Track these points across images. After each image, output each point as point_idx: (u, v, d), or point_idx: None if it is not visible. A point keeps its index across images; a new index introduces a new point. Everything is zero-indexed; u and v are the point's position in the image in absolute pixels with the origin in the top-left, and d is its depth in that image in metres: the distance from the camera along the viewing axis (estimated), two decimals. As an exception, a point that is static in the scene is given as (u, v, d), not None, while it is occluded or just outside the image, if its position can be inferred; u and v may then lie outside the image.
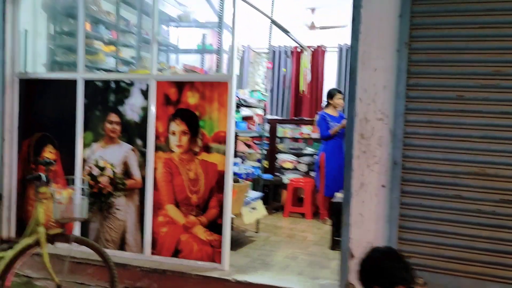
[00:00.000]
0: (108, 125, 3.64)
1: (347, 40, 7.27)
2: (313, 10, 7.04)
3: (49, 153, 3.78)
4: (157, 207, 3.50)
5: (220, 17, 3.46)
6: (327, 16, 7.00)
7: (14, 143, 3.84)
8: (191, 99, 3.41)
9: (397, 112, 2.76)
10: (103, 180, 3.65)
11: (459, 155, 2.66)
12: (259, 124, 4.45)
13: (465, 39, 2.62)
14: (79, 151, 3.69)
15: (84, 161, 3.71)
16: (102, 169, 3.67)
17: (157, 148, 3.51)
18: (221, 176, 3.38)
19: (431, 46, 2.69)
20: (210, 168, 3.40)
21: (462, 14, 2.62)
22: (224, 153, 3.36)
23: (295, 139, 6.49)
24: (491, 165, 2.60)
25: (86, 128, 3.70)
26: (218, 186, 3.39)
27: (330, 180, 5.03)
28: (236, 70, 3.35)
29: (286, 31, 5.15)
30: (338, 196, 4.15)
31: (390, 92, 2.79)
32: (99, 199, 3.63)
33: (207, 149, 3.40)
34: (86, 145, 3.70)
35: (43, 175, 2.74)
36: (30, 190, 3.75)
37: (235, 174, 3.94)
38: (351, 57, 2.90)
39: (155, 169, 3.51)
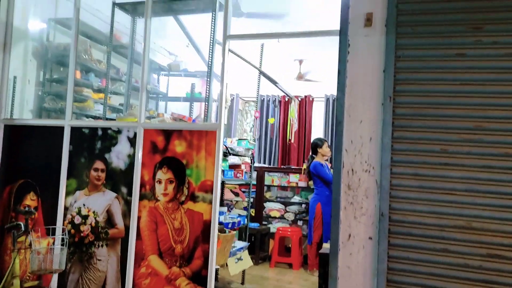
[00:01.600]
0: (93, 173, 3.59)
1: (333, 90, 7.51)
2: (301, 61, 7.27)
3: (30, 200, 3.69)
4: (140, 257, 3.40)
5: (209, 67, 3.53)
6: (315, 67, 7.22)
7: (-5, 190, 3.76)
8: (178, 147, 3.41)
9: (383, 164, 2.78)
10: (85, 229, 3.56)
11: (445, 208, 2.66)
12: (246, 172, 4.44)
13: (447, 95, 2.70)
14: (62, 199, 3.61)
15: (66, 209, 3.62)
16: (84, 217, 3.58)
17: (142, 196, 3.46)
18: (206, 226, 3.32)
19: (415, 100, 2.75)
20: (196, 217, 3.35)
21: (443, 71, 2.71)
22: (210, 202, 3.32)
23: (283, 188, 6.48)
24: (477, 219, 2.60)
25: (70, 175, 3.65)
26: (204, 236, 3.32)
27: (327, 231, 5.01)
28: (224, 119, 3.37)
29: (274, 82, 5.26)
30: (326, 247, 4.09)
31: (376, 144, 2.83)
32: (80, 248, 3.52)
33: (193, 198, 3.36)
34: (69, 192, 3.64)
35: (22, 224, 2.67)
36: (8, 239, 3.62)
37: (221, 223, 3.88)
38: (337, 109, 2.95)
39: (139, 217, 3.44)
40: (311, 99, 7.49)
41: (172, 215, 3.39)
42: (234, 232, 3.90)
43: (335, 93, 7.36)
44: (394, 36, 2.80)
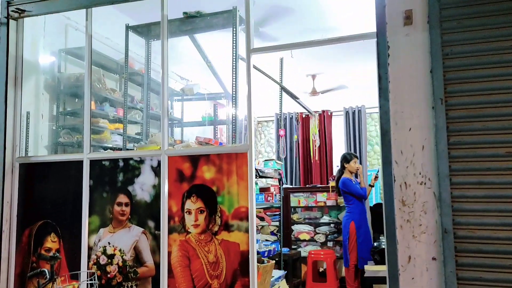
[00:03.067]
0: (117, 207, 3.33)
1: (352, 103, 7.27)
2: (314, 76, 7.05)
3: (51, 242, 3.43)
4: (174, 297, 3.10)
5: (234, 85, 3.30)
6: (328, 80, 7.00)
7: (13, 234, 3.50)
8: (207, 173, 3.15)
9: (441, 174, 2.49)
10: (112, 269, 3.27)
11: (519, 218, 2.36)
12: (275, 195, 4.16)
13: (507, 91, 2.43)
14: (85, 238, 3.35)
15: (91, 248, 3.35)
16: (110, 256, 3.31)
17: (171, 230, 3.18)
18: (244, 257, 3.02)
19: (470, 101, 2.48)
20: (232, 248, 3.05)
21: (499, 66, 2.45)
22: (246, 231, 3.03)
23: (309, 208, 6.17)
24: (558, 228, 2.29)
25: (92, 212, 3.39)
26: (242, 268, 3.02)
27: (363, 251, 4.66)
28: (253, 140, 3.11)
29: (295, 97, 5.03)
30: (371, 269, 3.76)
31: (429, 152, 2.55)
32: (108, 292, 3.24)
33: (227, 227, 3.08)
34: (92, 230, 3.37)
35: (47, 271, 2.40)
36: (30, 287, 3.35)
37: (257, 253, 3.58)
38: (381, 117, 2.68)
39: (169, 253, 3.16)
40: (329, 113, 7.24)
41: (205, 248, 3.10)
42: (273, 261, 3.60)
43: (353, 105, 7.12)
44: (439, 32, 2.56)
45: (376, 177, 5.01)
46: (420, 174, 2.57)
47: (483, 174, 2.43)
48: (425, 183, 2.56)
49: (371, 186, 5.01)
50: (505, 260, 2.36)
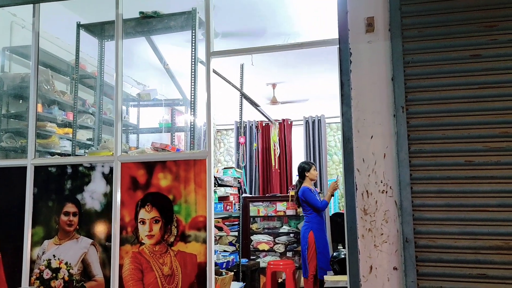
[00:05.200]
0: (64, 217, 3.10)
1: (311, 112, 7.28)
2: (274, 85, 7.01)
3: (-12, 256, 3.13)
4: (125, 313, 2.90)
5: (193, 88, 3.17)
6: (288, 91, 6.98)
7: None
8: (163, 181, 2.99)
9: (402, 182, 2.46)
10: (57, 284, 3.03)
11: (478, 227, 2.36)
12: (235, 204, 4.03)
13: (466, 100, 2.44)
14: (27, 251, 3.09)
15: (33, 262, 3.09)
16: (55, 270, 3.06)
17: (124, 241, 2.98)
18: (201, 269, 2.87)
19: (431, 109, 2.48)
20: (189, 260, 2.90)
21: (459, 75, 2.46)
22: (204, 242, 2.88)
23: (269, 218, 6.07)
24: (515, 237, 2.31)
25: (36, 222, 3.13)
26: (199, 281, 2.87)
27: (322, 261, 4.60)
28: (212, 147, 2.99)
29: (255, 104, 4.95)
30: (331, 279, 3.70)
31: (391, 160, 2.52)
32: (51, 309, 2.98)
33: (183, 238, 2.92)
34: (35, 242, 3.12)
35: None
36: (-38, 305, 3.04)
37: (215, 264, 3.43)
38: (343, 125, 2.63)
39: (121, 266, 2.96)
40: (289, 122, 7.22)
41: (160, 260, 2.93)
42: (231, 273, 3.46)
43: (313, 114, 7.12)
44: (400, 40, 2.55)
45: (336, 184, 4.92)
46: (381, 182, 2.54)
47: (444, 183, 2.43)
48: (386, 192, 2.52)
49: (332, 195, 4.97)
50: (465, 269, 2.35)
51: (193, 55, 3.19)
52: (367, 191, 2.55)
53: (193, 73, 3.15)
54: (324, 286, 3.65)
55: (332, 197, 4.94)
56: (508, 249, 2.31)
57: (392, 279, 2.47)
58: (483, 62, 2.45)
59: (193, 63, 3.17)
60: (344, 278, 3.29)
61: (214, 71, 3.31)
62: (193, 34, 3.22)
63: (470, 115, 2.43)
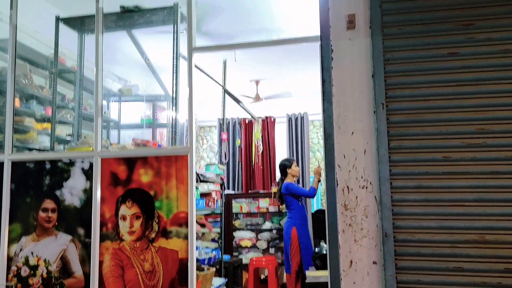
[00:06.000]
0: (42, 214, 3.05)
1: (294, 109, 7.31)
2: (257, 82, 7.01)
3: (-36, 253, 3.07)
4: (105, 310, 2.87)
5: (175, 84, 3.15)
6: (271, 87, 6.99)
7: None
8: (144, 176, 2.97)
9: (382, 178, 2.50)
10: (35, 281, 2.98)
11: (455, 221, 2.40)
12: (217, 201, 4.02)
13: (444, 98, 2.48)
14: (4, 248, 3.04)
15: (11, 259, 3.04)
16: (33, 267, 3.01)
17: (104, 237, 2.95)
18: (183, 265, 2.86)
19: (410, 106, 2.51)
20: (170, 256, 2.89)
21: (437, 73, 2.50)
22: (185, 238, 2.88)
23: (252, 214, 6.08)
24: (491, 231, 2.36)
25: (14, 218, 3.08)
26: (180, 277, 2.86)
27: (305, 256, 4.63)
28: (194, 143, 2.98)
29: (238, 101, 4.94)
30: (312, 275, 3.73)
31: (371, 156, 2.55)
32: (29, 307, 2.94)
33: (165, 234, 2.91)
34: (13, 239, 3.07)
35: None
36: None
37: (197, 260, 3.42)
38: (324, 121, 2.65)
39: (101, 262, 2.93)
40: (272, 119, 7.23)
41: (141, 256, 2.91)
42: (213, 269, 3.46)
43: (296, 112, 7.13)
44: (381, 38, 2.58)
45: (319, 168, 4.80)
46: (362, 178, 2.57)
47: (422, 178, 2.47)
48: (366, 187, 2.55)
49: (319, 180, 4.85)
50: (442, 262, 2.40)
51: (175, 50, 3.17)
52: (347, 186, 2.58)
53: (175, 69, 3.14)
54: (306, 281, 3.67)
55: (319, 183, 4.85)
56: (484, 242, 2.36)
57: (372, 273, 2.50)
58: (461, 60, 2.49)
59: (175, 58, 3.15)
60: (325, 273, 3.32)
61: (197, 67, 3.30)
62: (175, 28, 3.20)
63: (448, 111, 2.48)
